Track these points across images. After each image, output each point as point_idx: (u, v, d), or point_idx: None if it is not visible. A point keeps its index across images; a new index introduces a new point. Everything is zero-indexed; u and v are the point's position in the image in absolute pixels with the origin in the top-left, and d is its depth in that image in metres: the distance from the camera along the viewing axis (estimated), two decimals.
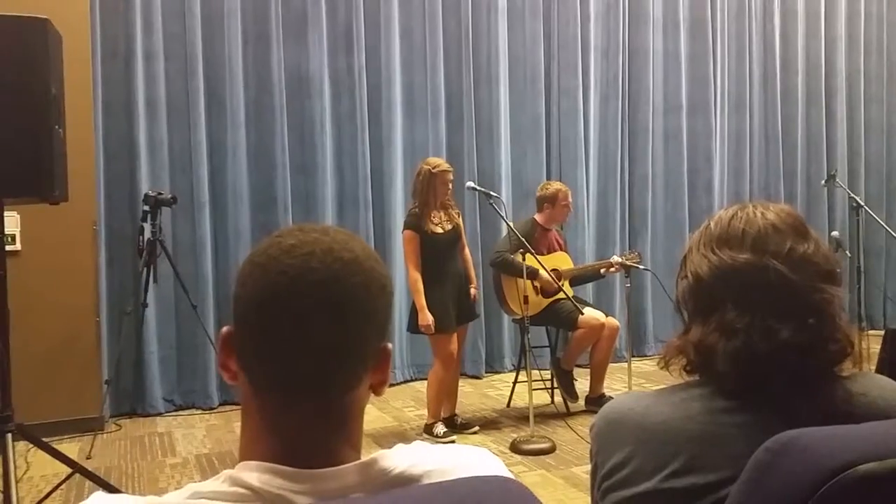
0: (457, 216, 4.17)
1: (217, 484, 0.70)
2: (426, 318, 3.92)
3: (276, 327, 0.72)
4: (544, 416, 4.47)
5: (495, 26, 5.74)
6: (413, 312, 4.05)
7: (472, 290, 4.26)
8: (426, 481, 0.75)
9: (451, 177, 4.09)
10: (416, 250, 3.99)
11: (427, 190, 4.01)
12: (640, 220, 6.27)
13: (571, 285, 4.65)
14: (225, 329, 0.77)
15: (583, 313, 4.31)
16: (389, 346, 0.79)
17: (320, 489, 0.71)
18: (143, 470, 3.76)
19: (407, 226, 4.05)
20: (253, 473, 0.71)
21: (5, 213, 2.82)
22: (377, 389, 0.79)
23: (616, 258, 4.63)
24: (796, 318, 0.93)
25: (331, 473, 0.72)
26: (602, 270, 4.64)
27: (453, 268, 4.12)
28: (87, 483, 3.18)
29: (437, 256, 4.02)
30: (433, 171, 4.03)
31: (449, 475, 0.75)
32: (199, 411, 4.81)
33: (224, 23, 4.97)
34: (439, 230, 4.04)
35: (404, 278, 5.36)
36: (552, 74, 5.97)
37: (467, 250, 4.31)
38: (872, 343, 4.38)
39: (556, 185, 4.63)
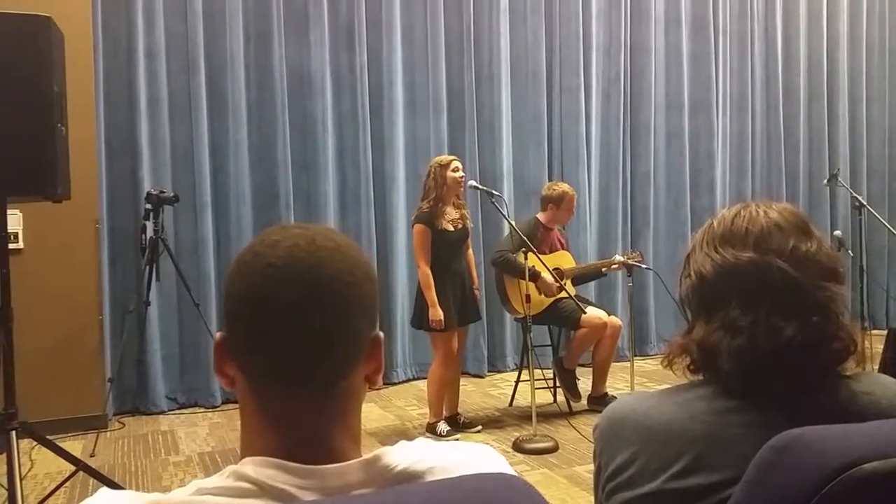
0: (468, 217, 4.18)
1: (221, 480, 0.71)
2: (438, 313, 3.92)
3: (267, 317, 0.73)
4: (547, 415, 4.47)
5: (497, 24, 5.73)
6: (418, 309, 4.05)
7: (475, 292, 4.27)
8: (430, 478, 0.75)
9: (461, 172, 4.08)
10: (427, 245, 3.98)
11: (441, 184, 4.00)
12: (642, 218, 6.27)
13: (574, 285, 4.64)
14: (218, 335, 0.78)
15: (585, 312, 4.31)
16: (381, 334, 0.80)
17: (325, 485, 0.71)
18: (147, 468, 3.77)
19: (418, 220, 4.01)
20: (258, 468, 0.71)
21: (8, 212, 2.83)
22: (372, 378, 0.80)
23: (619, 257, 4.63)
24: (800, 316, 0.93)
25: (335, 470, 0.72)
26: (603, 269, 4.64)
27: (458, 267, 4.12)
28: (91, 481, 3.18)
29: (444, 254, 4.02)
30: (443, 164, 4.05)
31: (452, 472, 0.75)
32: (202, 409, 4.82)
33: (226, 20, 4.97)
34: (450, 228, 4.04)
35: (406, 274, 5.40)
36: (554, 73, 5.97)
37: (471, 251, 4.31)
38: (875, 343, 4.38)
39: (563, 187, 4.60)
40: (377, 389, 4.98)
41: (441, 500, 0.69)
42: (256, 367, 0.75)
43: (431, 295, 3.94)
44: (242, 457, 0.75)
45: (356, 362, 0.77)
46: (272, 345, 0.73)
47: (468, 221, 4.17)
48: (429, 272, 3.97)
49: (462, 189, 4.15)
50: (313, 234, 0.77)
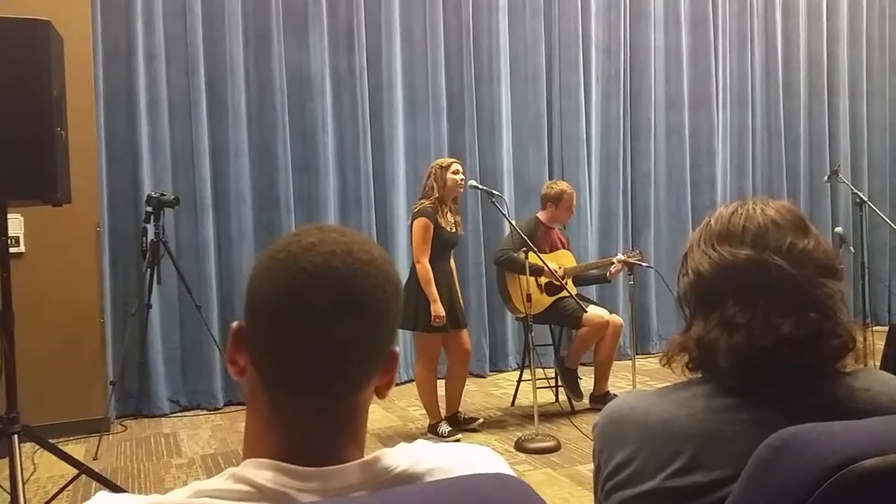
0: (460, 224, 4.18)
1: (221, 482, 0.71)
2: (440, 308, 3.86)
3: (294, 322, 0.72)
4: (549, 414, 4.47)
5: (496, 24, 5.73)
6: (412, 308, 3.89)
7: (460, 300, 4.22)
8: (429, 479, 0.75)
9: (461, 175, 4.06)
10: (429, 240, 3.93)
11: (442, 186, 3.98)
12: (642, 217, 6.26)
13: (576, 285, 4.64)
14: (236, 323, 0.78)
15: (586, 311, 4.31)
16: (398, 349, 0.80)
17: (323, 487, 0.71)
18: (149, 471, 3.77)
19: (421, 214, 3.95)
20: (257, 471, 0.71)
21: (9, 216, 2.83)
22: (382, 392, 0.80)
23: (620, 256, 4.63)
24: (797, 313, 0.93)
25: (334, 472, 0.72)
26: (608, 274, 4.63)
27: (448, 270, 4.10)
28: (94, 484, 3.19)
29: (438, 253, 3.99)
30: (443, 165, 4.04)
31: (451, 473, 0.76)
32: (205, 412, 4.82)
33: (225, 23, 4.97)
34: (448, 228, 4.03)
35: (406, 275, 5.37)
36: (553, 72, 5.97)
37: (453, 261, 4.25)
38: (877, 339, 4.38)
39: (562, 186, 4.60)
40: None
41: (438, 500, 0.69)
42: (272, 367, 0.75)
43: (433, 290, 3.88)
44: (245, 454, 0.75)
45: (372, 376, 0.77)
46: (293, 349, 0.73)
47: (461, 229, 4.18)
48: (429, 267, 3.91)
49: (461, 192, 4.15)
50: (351, 242, 0.76)
